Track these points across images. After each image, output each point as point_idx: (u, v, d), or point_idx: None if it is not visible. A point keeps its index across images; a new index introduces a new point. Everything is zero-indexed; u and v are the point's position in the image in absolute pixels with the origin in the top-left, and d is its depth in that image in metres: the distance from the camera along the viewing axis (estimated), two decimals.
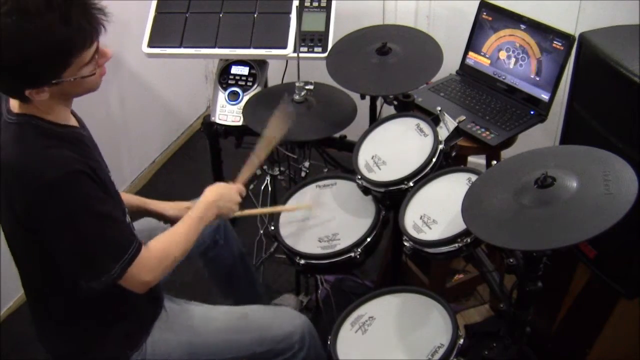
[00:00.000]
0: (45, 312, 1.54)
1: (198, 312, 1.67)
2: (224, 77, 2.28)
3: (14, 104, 1.37)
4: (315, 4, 2.20)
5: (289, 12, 2.19)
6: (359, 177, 1.73)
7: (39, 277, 1.48)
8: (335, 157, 2.21)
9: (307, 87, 1.99)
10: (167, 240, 1.50)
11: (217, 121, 2.26)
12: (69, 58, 1.27)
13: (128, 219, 1.53)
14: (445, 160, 1.71)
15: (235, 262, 2.04)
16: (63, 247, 1.35)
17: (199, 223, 1.56)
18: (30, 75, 1.26)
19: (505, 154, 2.01)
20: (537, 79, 2.13)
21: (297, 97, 1.99)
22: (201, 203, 1.60)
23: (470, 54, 2.31)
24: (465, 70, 2.34)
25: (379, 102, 2.13)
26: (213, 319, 1.66)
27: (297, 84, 1.98)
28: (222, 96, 2.27)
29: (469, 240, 1.46)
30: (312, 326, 1.72)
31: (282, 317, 1.70)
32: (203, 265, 2.03)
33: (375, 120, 2.06)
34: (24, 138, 1.33)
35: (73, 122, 1.44)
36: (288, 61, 2.34)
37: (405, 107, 1.89)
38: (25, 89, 1.27)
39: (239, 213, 1.72)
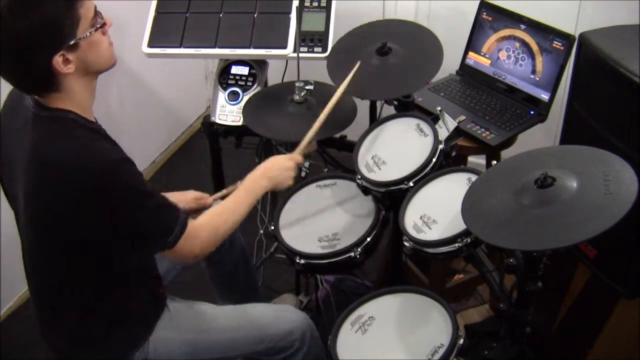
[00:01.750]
0: (51, 311, 1.54)
1: (200, 311, 1.67)
2: (224, 77, 2.28)
3: (47, 99, 1.37)
4: (315, 3, 2.20)
5: (289, 12, 2.19)
6: (359, 177, 1.73)
7: (55, 277, 1.48)
8: (335, 157, 2.21)
9: (307, 87, 1.99)
10: (215, 214, 1.57)
11: (217, 121, 2.26)
12: (76, 8, 1.30)
13: None
14: (445, 160, 1.71)
15: (237, 266, 2.04)
16: (134, 222, 1.39)
17: (247, 196, 1.62)
18: (50, 34, 1.28)
19: (505, 154, 2.01)
20: (537, 79, 2.13)
21: (297, 97, 1.99)
22: (249, 176, 1.66)
23: (470, 54, 2.31)
24: (465, 70, 2.34)
25: (379, 102, 2.13)
26: (215, 317, 1.67)
27: (297, 84, 1.98)
28: (222, 96, 2.27)
29: (469, 240, 1.46)
30: (312, 324, 1.72)
31: (282, 315, 1.70)
32: (205, 267, 2.04)
33: (375, 120, 2.06)
34: (65, 133, 1.35)
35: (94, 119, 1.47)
36: (288, 61, 2.34)
37: (405, 107, 1.89)
38: (52, 55, 1.28)
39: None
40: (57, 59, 1.30)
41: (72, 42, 1.31)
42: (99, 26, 1.36)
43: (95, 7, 1.37)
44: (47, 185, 1.34)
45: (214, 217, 1.57)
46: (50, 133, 1.36)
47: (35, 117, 1.37)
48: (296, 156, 1.75)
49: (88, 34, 1.33)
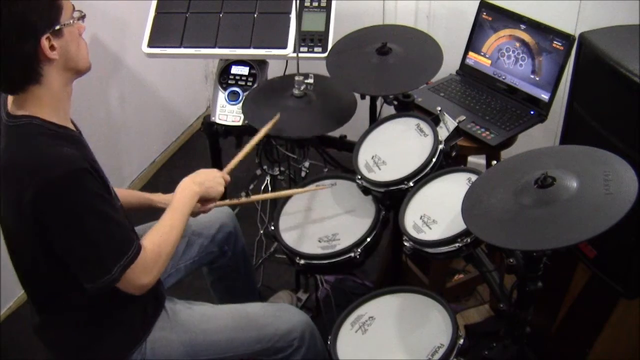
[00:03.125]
0: (48, 311, 1.54)
1: (198, 312, 1.67)
2: (224, 77, 2.28)
3: (14, 106, 1.38)
4: (315, 4, 2.20)
5: (289, 12, 2.19)
6: (359, 177, 1.73)
7: (45, 279, 1.48)
8: (335, 157, 2.21)
9: (307, 81, 1.98)
10: (157, 239, 1.48)
11: (217, 121, 2.26)
12: None
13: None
14: (445, 160, 1.71)
15: (239, 269, 2.04)
16: (67, 246, 1.36)
17: (181, 215, 1.55)
18: (40, 15, 1.31)
19: (505, 154, 2.01)
20: (537, 79, 2.13)
21: (296, 91, 1.99)
22: (178, 189, 1.59)
23: (470, 54, 2.31)
24: (465, 70, 2.34)
25: (379, 102, 2.13)
26: (213, 318, 1.67)
27: (296, 78, 1.98)
28: (222, 96, 2.27)
29: (469, 240, 1.46)
30: (312, 324, 1.72)
31: (281, 315, 1.70)
32: (206, 273, 2.04)
33: (375, 120, 2.06)
34: (28, 138, 1.35)
35: (71, 126, 1.47)
36: (288, 61, 2.34)
37: (405, 107, 1.89)
38: (40, 36, 1.31)
39: (228, 202, 1.71)
40: (44, 42, 1.32)
41: (57, 27, 1.34)
42: (77, 17, 1.40)
43: (73, 7, 1.41)
44: (10, 189, 1.35)
45: (157, 241, 1.47)
46: (11, 140, 1.36)
47: (5, 128, 1.39)
48: (224, 174, 1.70)
49: (71, 22, 1.37)
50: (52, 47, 1.34)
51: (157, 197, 1.82)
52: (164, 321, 1.61)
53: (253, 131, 1.96)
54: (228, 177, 1.70)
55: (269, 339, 1.64)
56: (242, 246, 2.03)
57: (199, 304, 1.70)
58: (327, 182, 1.89)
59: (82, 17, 1.42)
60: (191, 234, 1.87)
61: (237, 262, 2.02)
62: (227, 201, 1.77)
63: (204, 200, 1.64)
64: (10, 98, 1.41)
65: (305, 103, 1.98)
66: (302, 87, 1.98)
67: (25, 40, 1.30)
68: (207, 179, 1.63)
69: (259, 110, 2.00)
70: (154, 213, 1.68)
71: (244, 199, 1.81)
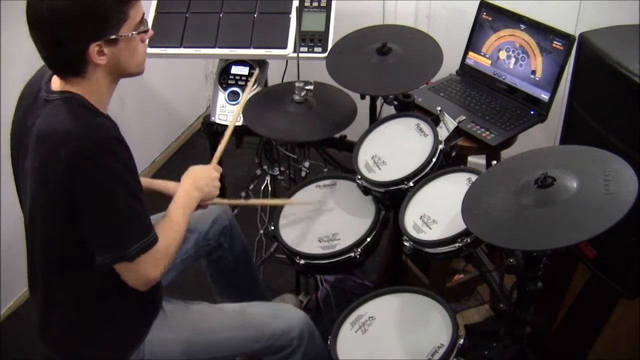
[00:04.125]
0: (48, 310, 1.54)
1: (196, 311, 1.67)
2: (224, 77, 2.28)
3: (58, 84, 1.39)
4: (315, 4, 2.20)
5: (289, 12, 2.19)
6: (359, 177, 1.73)
7: (50, 268, 1.47)
8: (335, 157, 2.21)
9: (307, 87, 1.99)
10: (166, 235, 1.48)
11: (217, 121, 2.26)
12: (128, 7, 1.35)
13: None
14: (445, 160, 1.71)
15: (238, 265, 2.04)
16: (92, 216, 1.36)
17: (185, 213, 1.56)
18: (97, 22, 1.31)
19: (505, 154, 2.01)
20: (537, 79, 2.13)
21: (297, 97, 1.99)
22: (181, 192, 1.59)
23: (470, 54, 2.31)
24: (465, 70, 2.34)
25: (379, 102, 2.13)
26: (211, 317, 1.66)
27: (297, 84, 1.98)
28: (222, 96, 2.27)
29: (469, 240, 1.46)
30: (311, 323, 1.71)
31: (279, 314, 1.70)
32: (206, 266, 2.03)
33: (375, 120, 2.06)
34: (67, 108, 1.36)
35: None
36: (288, 61, 2.34)
37: (405, 107, 1.89)
38: (91, 41, 1.31)
39: (225, 201, 1.71)
40: (94, 48, 1.32)
41: (112, 37, 1.34)
42: (142, 30, 1.39)
43: (144, 14, 1.41)
44: (43, 155, 1.35)
45: (166, 238, 1.47)
46: (53, 111, 1.37)
47: (45, 102, 1.39)
48: (216, 166, 1.70)
49: (130, 35, 1.37)
50: (101, 52, 1.34)
51: (158, 183, 1.80)
52: (162, 321, 1.60)
53: (253, 131, 1.97)
54: (220, 168, 1.71)
55: (268, 338, 1.64)
56: (242, 243, 2.03)
57: (196, 303, 1.70)
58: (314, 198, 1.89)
59: (145, 32, 1.41)
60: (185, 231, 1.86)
61: (236, 256, 2.01)
62: (225, 200, 1.78)
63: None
64: (55, 77, 1.42)
65: (306, 108, 1.99)
66: (303, 93, 1.99)
67: (76, 40, 1.31)
68: (206, 182, 1.64)
69: (260, 115, 2.00)
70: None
71: (242, 201, 1.81)
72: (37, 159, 1.37)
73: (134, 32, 1.38)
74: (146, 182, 1.78)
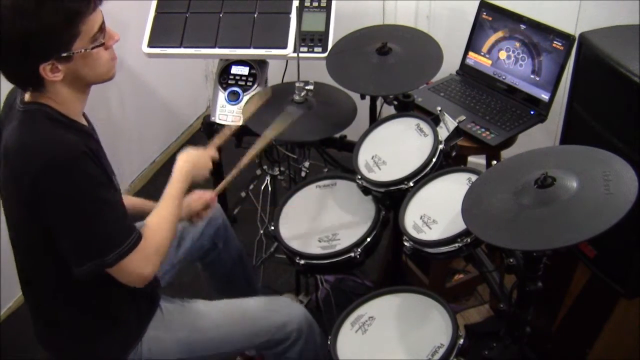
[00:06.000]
0: (44, 312, 1.54)
1: (194, 309, 1.67)
2: (224, 77, 2.28)
3: (27, 94, 1.39)
4: (315, 4, 2.20)
5: (289, 12, 2.19)
6: (359, 177, 1.73)
7: (41, 270, 1.47)
8: (335, 157, 2.21)
9: (307, 88, 1.99)
10: (158, 228, 1.47)
11: (217, 121, 2.26)
12: (77, 23, 1.29)
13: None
14: (445, 160, 1.71)
15: (234, 266, 2.04)
16: (62, 230, 1.35)
17: (179, 200, 1.54)
18: (43, 43, 1.27)
19: (505, 154, 2.01)
20: (537, 79, 2.13)
21: (297, 97, 1.99)
22: (175, 177, 1.57)
23: (470, 54, 2.31)
24: (465, 70, 2.34)
25: (379, 102, 2.13)
26: (209, 314, 1.66)
27: (297, 84, 1.98)
28: (222, 96, 2.27)
29: (469, 240, 1.46)
30: (310, 316, 1.71)
31: (276, 308, 1.70)
32: (202, 269, 2.03)
33: (375, 120, 2.06)
34: (34, 121, 1.35)
35: (83, 122, 1.46)
36: (288, 61, 2.34)
37: (405, 107, 1.89)
38: (40, 62, 1.29)
39: (222, 184, 1.73)
40: (45, 67, 1.30)
41: (64, 55, 1.31)
42: (97, 44, 1.35)
43: (102, 23, 1.35)
44: (10, 171, 1.35)
45: (158, 231, 1.46)
46: (19, 123, 1.36)
47: (17, 112, 1.39)
48: (213, 152, 1.69)
49: (83, 50, 1.33)
50: (55, 69, 1.31)
51: (151, 204, 1.80)
52: (159, 320, 1.61)
53: (253, 131, 1.97)
54: (216, 155, 1.70)
55: (266, 332, 1.64)
56: (236, 243, 2.03)
57: (192, 301, 1.70)
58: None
59: (102, 44, 1.35)
60: (181, 233, 1.86)
61: (232, 255, 2.01)
62: (222, 184, 1.78)
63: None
64: None
65: (306, 108, 1.99)
66: (303, 94, 1.99)
67: (24, 62, 1.29)
68: (196, 168, 1.62)
69: (260, 115, 2.00)
70: None
71: (234, 172, 1.76)
72: (5, 174, 1.38)
73: (88, 48, 1.33)
74: (141, 202, 1.77)
